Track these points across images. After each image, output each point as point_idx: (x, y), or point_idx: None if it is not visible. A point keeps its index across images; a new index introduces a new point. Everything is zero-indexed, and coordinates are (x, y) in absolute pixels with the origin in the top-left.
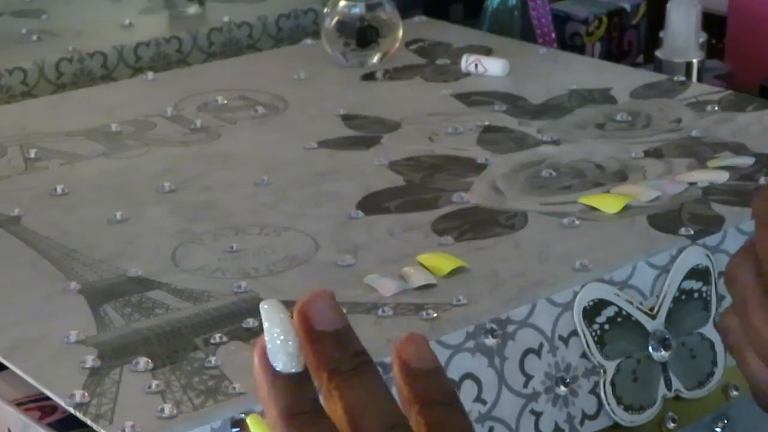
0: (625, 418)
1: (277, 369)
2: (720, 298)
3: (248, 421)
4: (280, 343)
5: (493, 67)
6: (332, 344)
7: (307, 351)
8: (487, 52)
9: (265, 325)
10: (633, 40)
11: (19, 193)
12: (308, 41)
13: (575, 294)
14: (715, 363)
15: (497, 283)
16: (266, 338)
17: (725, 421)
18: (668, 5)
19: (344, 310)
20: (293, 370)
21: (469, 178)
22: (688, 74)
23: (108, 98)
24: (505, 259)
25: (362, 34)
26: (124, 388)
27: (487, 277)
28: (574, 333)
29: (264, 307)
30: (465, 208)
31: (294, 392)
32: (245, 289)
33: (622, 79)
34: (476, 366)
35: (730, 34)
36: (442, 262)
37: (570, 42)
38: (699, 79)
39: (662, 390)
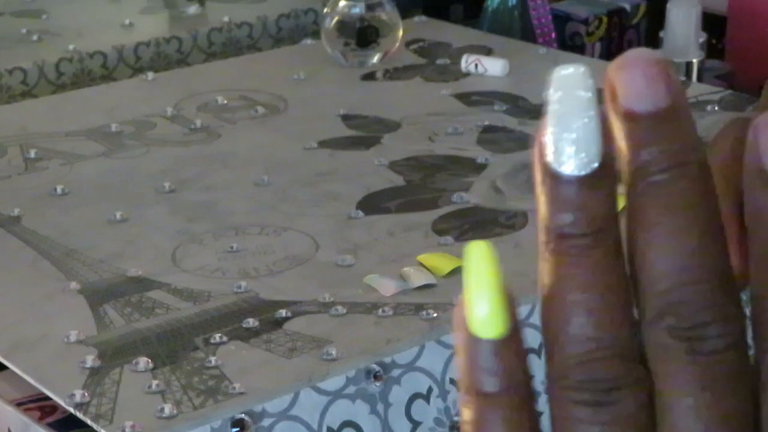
0: None
1: (555, 169)
2: None
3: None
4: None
5: (493, 67)
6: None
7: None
8: (487, 52)
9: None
10: (633, 40)
11: (19, 193)
12: (308, 41)
13: None
14: None
15: None
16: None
17: None
18: (668, 5)
19: (344, 310)
20: (582, 172)
21: (469, 178)
22: (688, 74)
23: (108, 98)
24: (506, 259)
25: (362, 34)
26: (124, 388)
27: None
28: None
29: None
30: (465, 208)
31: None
32: (245, 289)
33: None
34: None
35: (730, 34)
36: (442, 262)
37: (570, 42)
38: (699, 79)
39: None
